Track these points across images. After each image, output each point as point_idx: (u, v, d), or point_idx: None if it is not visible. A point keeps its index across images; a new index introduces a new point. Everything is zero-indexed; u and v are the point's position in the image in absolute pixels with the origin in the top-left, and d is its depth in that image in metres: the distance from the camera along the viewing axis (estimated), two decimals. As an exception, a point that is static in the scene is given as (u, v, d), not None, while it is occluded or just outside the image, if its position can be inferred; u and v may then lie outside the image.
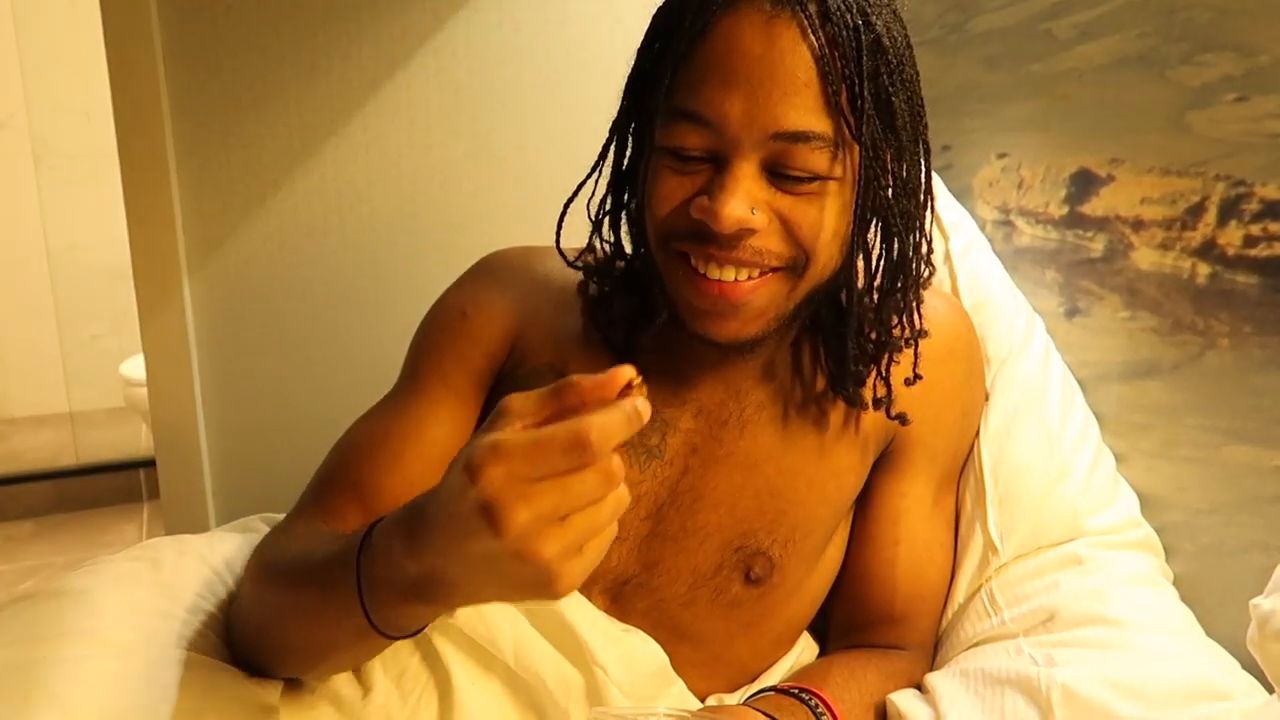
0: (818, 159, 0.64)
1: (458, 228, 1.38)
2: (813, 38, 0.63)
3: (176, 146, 1.26)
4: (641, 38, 0.72)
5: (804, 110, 0.63)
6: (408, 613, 0.56)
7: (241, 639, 0.73)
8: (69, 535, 2.60)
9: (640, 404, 0.47)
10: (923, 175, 0.73)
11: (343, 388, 1.31)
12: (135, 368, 2.29)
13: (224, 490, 1.37)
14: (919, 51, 0.71)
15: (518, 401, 0.48)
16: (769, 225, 0.66)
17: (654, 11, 0.71)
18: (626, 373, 0.48)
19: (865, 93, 0.64)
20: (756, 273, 0.68)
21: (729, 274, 0.67)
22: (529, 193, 1.39)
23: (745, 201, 0.64)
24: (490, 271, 0.86)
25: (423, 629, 0.60)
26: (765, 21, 0.63)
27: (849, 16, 0.63)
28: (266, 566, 0.71)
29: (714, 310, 0.69)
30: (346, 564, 0.57)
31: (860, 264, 0.73)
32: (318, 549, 0.64)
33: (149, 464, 2.76)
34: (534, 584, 0.47)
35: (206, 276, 1.31)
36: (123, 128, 1.24)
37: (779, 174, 0.65)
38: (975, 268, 0.99)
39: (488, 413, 0.83)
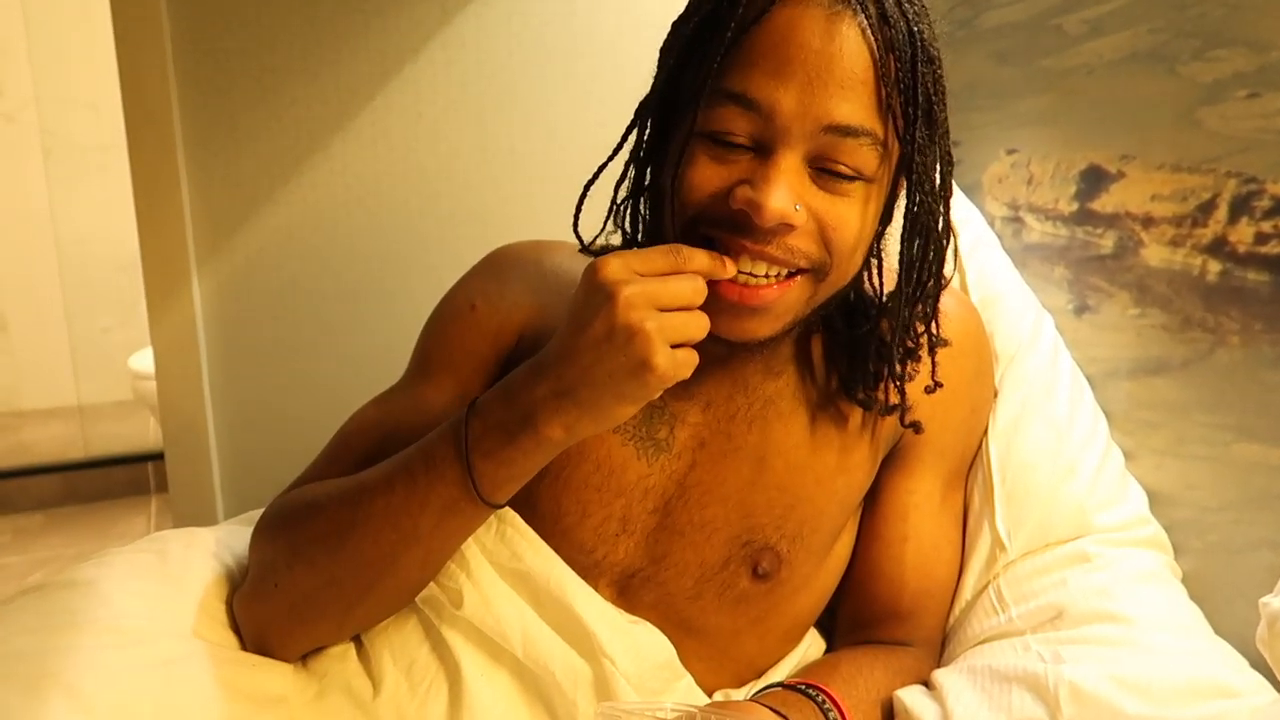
0: (865, 156, 0.65)
1: (466, 220, 1.38)
2: (872, 38, 0.63)
3: (185, 139, 1.26)
4: (649, 30, 0.72)
5: (858, 106, 0.63)
6: (511, 458, 0.64)
7: (263, 607, 0.74)
8: (78, 527, 2.61)
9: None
10: (950, 182, 0.73)
11: (352, 380, 1.31)
12: (144, 361, 2.30)
13: (232, 483, 1.37)
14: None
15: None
16: (805, 224, 0.65)
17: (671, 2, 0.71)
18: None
19: (919, 97, 0.65)
20: (785, 273, 0.67)
21: (760, 268, 0.66)
22: (538, 185, 1.39)
23: (789, 195, 0.64)
24: (500, 265, 0.86)
25: (506, 502, 0.69)
26: (827, 16, 0.63)
27: (904, 23, 0.64)
28: (304, 506, 0.73)
29: (730, 311, 0.68)
30: (444, 434, 0.67)
31: (874, 269, 0.74)
32: (382, 461, 0.71)
33: (157, 457, 2.78)
34: (635, 364, 0.59)
35: (215, 269, 1.31)
36: (132, 120, 1.24)
37: (822, 170, 0.65)
38: (984, 264, 0.99)
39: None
